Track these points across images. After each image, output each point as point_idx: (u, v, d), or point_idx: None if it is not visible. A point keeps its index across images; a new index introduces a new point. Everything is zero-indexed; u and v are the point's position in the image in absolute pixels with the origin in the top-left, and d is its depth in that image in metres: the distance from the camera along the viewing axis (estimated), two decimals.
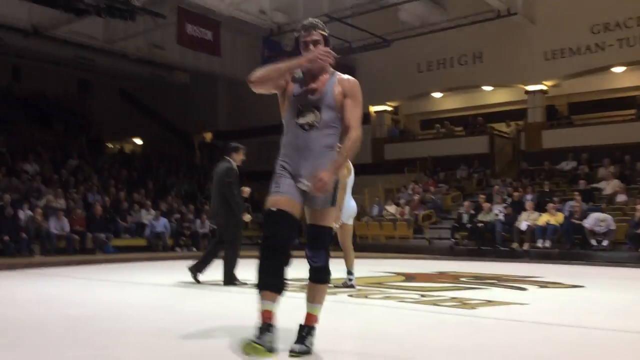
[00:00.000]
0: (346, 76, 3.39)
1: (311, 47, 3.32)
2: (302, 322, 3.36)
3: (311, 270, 3.39)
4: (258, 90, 3.39)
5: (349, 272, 6.63)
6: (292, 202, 3.26)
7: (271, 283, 3.22)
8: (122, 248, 14.81)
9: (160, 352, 3.42)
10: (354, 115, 3.33)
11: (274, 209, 3.26)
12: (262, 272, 3.24)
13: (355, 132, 3.33)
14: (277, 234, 3.24)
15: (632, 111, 17.71)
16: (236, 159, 7.10)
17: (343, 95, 3.32)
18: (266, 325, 3.19)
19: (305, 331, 3.32)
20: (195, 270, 7.07)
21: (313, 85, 3.32)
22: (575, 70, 17.72)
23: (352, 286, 6.55)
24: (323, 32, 3.41)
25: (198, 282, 7.03)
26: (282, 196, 3.27)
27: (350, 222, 6.72)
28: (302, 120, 3.30)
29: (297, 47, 3.41)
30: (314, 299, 3.41)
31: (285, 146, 3.37)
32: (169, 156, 23.08)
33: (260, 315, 3.22)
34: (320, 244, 3.35)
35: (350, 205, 6.62)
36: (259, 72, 3.29)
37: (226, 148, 7.31)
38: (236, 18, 17.49)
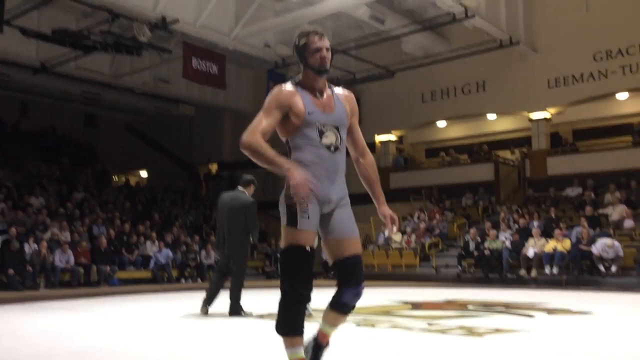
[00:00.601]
0: (342, 90, 3.19)
1: (325, 52, 3.00)
2: (318, 338, 3.21)
3: (348, 307, 3.11)
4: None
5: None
6: (315, 237, 3.00)
7: (299, 324, 2.98)
8: (127, 280, 14.78)
9: None
10: (362, 137, 3.19)
11: (308, 247, 2.93)
12: (292, 311, 2.96)
13: (371, 156, 3.21)
14: (308, 279, 2.96)
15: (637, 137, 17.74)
16: (249, 192, 7.15)
17: (351, 114, 3.13)
18: None
19: (323, 350, 3.23)
20: (206, 304, 6.99)
21: (328, 103, 3.06)
22: (578, 97, 17.80)
23: (248, 313, 6.88)
24: None
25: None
26: (312, 231, 2.96)
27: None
28: (326, 141, 2.99)
29: (299, 56, 3.06)
30: (335, 325, 3.21)
31: (309, 165, 2.96)
32: (174, 188, 23.17)
33: None
34: (361, 275, 3.07)
35: None
36: (253, 146, 2.88)
37: (242, 179, 7.28)
38: (241, 52, 17.74)
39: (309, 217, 2.92)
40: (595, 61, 17.35)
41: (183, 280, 15.82)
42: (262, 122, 2.95)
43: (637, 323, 6.48)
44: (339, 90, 3.17)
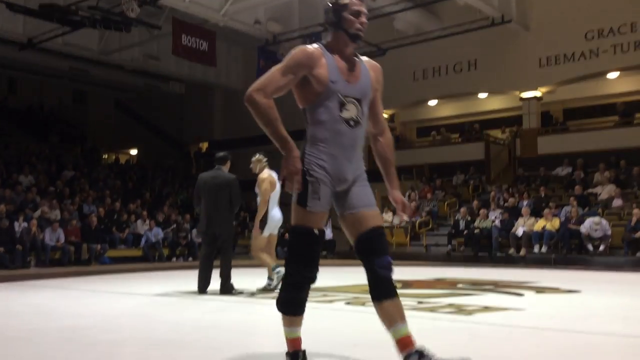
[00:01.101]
0: (369, 60, 2.94)
1: (364, 18, 2.79)
2: (402, 350, 2.79)
3: (384, 282, 2.83)
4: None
5: (270, 277, 7.07)
6: (325, 219, 2.83)
7: (300, 305, 2.90)
8: (118, 259, 14.76)
9: None
10: (383, 113, 2.99)
11: (316, 230, 2.78)
12: (294, 291, 2.86)
13: (390, 135, 3.04)
14: (314, 261, 2.80)
15: (627, 117, 17.82)
16: (227, 168, 7.16)
17: (375, 86, 2.90)
18: (299, 353, 2.92)
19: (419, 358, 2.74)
20: (225, 289, 6.88)
21: (353, 73, 2.82)
22: (569, 76, 17.79)
23: (239, 292, 6.92)
24: None
25: (240, 292, 6.92)
26: (323, 212, 2.79)
27: (276, 232, 7.23)
28: (346, 115, 2.77)
29: (336, 16, 2.79)
30: (402, 317, 2.82)
31: (324, 142, 2.78)
32: (164, 166, 23.07)
33: (290, 344, 2.94)
34: (386, 247, 2.88)
35: (276, 217, 7.13)
36: (259, 105, 2.68)
37: (218, 158, 7.25)
38: (231, 28, 17.55)
39: (320, 199, 2.75)
40: (586, 40, 17.31)
41: (174, 259, 15.83)
42: (276, 79, 2.72)
43: (624, 301, 6.56)
44: (365, 59, 2.93)
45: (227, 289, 6.84)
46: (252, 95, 2.68)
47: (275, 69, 2.75)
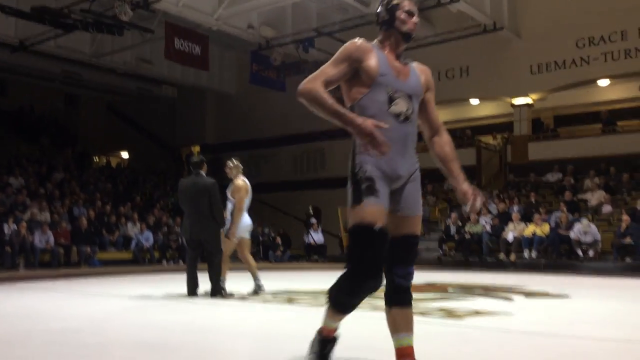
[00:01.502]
0: (418, 63, 2.94)
1: (416, 19, 2.82)
2: (399, 359, 2.78)
3: (399, 291, 2.76)
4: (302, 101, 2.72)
5: (257, 279, 7.22)
6: (385, 215, 2.68)
7: (352, 308, 2.81)
8: (108, 261, 14.69)
9: None
10: (437, 115, 2.94)
11: (376, 227, 2.60)
12: (350, 296, 2.73)
13: (447, 134, 2.96)
14: (376, 265, 2.64)
15: (617, 123, 17.96)
16: (204, 171, 7.20)
17: (426, 87, 2.88)
18: (331, 340, 2.97)
19: None
20: (215, 292, 6.87)
21: (403, 70, 2.78)
22: (560, 83, 17.92)
23: (262, 290, 7.13)
24: None
25: (230, 295, 6.91)
26: (383, 208, 2.64)
27: (247, 235, 7.32)
28: (395, 109, 2.69)
29: (389, 14, 2.80)
30: (408, 327, 2.78)
31: None
32: (156, 170, 23.00)
33: (324, 330, 2.97)
34: (414, 258, 2.81)
35: (246, 222, 7.25)
36: (313, 94, 2.63)
37: (193, 163, 7.24)
38: (224, 32, 17.55)
39: (376, 194, 2.61)
40: (577, 48, 17.45)
41: (165, 262, 15.77)
42: (326, 71, 2.70)
43: (613, 306, 6.60)
44: (414, 63, 2.92)
45: (217, 291, 6.83)
46: (304, 86, 2.65)
47: (326, 64, 2.74)
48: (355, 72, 2.70)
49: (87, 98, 26.89)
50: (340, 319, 2.88)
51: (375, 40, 2.83)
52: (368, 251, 2.61)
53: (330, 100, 2.58)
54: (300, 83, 2.67)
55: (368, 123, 2.51)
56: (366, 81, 2.69)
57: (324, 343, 2.92)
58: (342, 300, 2.76)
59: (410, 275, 2.77)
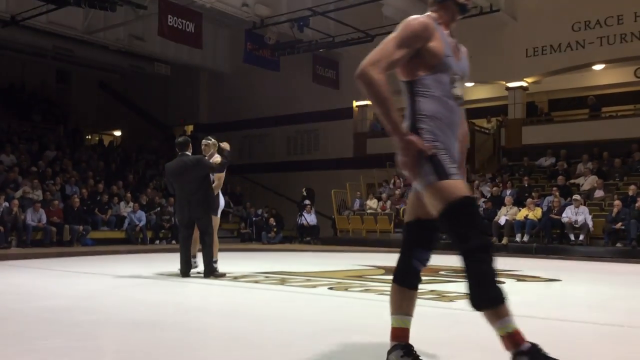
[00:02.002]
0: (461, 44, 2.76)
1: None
2: (392, 339, 2.71)
3: (412, 274, 2.71)
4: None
5: (215, 261, 7.05)
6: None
7: (503, 291, 2.42)
8: (101, 240, 14.67)
9: (138, 344, 3.39)
10: None
11: (471, 195, 2.49)
12: (493, 280, 2.40)
13: (466, 126, 2.84)
14: (484, 227, 2.54)
15: (611, 108, 18.00)
16: (190, 151, 7.16)
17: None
18: (533, 346, 2.43)
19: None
20: (208, 272, 6.87)
21: (457, 50, 2.67)
22: (555, 67, 17.88)
23: (222, 274, 6.92)
24: None
25: (222, 274, 6.91)
26: (463, 180, 2.52)
27: (218, 214, 7.33)
28: (456, 92, 2.58)
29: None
30: (410, 310, 2.73)
31: (439, 118, 2.52)
32: (148, 148, 22.88)
33: (515, 339, 2.43)
34: (436, 244, 2.72)
35: (223, 201, 7.48)
36: (375, 83, 2.42)
37: (179, 144, 7.20)
38: (218, 10, 17.35)
39: (456, 169, 2.48)
40: (573, 31, 17.38)
41: (157, 242, 15.77)
42: (390, 53, 2.46)
43: (603, 290, 6.66)
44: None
45: (210, 271, 6.84)
46: (367, 71, 2.43)
47: (388, 42, 2.51)
48: (418, 51, 2.52)
49: (79, 75, 26.62)
50: (506, 313, 2.41)
51: (427, 15, 2.65)
52: (476, 217, 2.49)
53: (388, 100, 2.44)
54: (362, 63, 2.44)
55: (417, 142, 2.43)
56: (430, 61, 2.53)
57: (536, 351, 2.41)
58: (490, 284, 2.40)
59: (427, 261, 2.71)
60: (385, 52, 2.47)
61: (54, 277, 7.37)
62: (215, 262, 7.00)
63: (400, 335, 2.70)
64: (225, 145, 7.20)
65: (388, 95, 2.43)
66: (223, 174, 7.30)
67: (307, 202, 18.28)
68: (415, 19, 2.58)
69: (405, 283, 2.71)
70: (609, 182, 15.16)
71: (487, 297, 2.40)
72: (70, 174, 16.77)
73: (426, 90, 2.53)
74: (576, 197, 13.55)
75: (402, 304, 2.71)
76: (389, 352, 2.71)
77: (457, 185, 2.43)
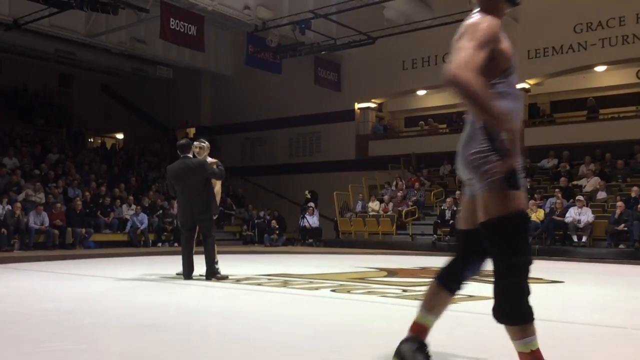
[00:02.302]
0: None
1: None
2: (410, 333, 2.73)
3: (457, 280, 2.70)
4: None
5: (216, 262, 7.07)
6: None
7: (533, 313, 2.42)
8: (103, 243, 14.69)
9: (141, 347, 3.39)
10: None
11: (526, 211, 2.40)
12: (527, 297, 2.40)
13: None
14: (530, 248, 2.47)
15: (613, 110, 17.97)
16: (191, 155, 7.15)
17: None
18: None
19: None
20: (210, 274, 6.88)
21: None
22: (557, 69, 17.86)
23: (224, 277, 6.95)
24: None
25: (224, 277, 6.92)
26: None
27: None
28: (519, 92, 2.52)
29: None
30: (440, 312, 2.74)
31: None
32: (151, 151, 22.91)
33: (537, 355, 2.44)
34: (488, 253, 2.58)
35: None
36: (470, 84, 2.19)
37: (181, 146, 7.18)
38: (220, 13, 17.38)
39: (523, 178, 2.40)
40: (575, 33, 17.38)
41: (160, 244, 15.78)
42: (474, 57, 2.27)
43: (606, 291, 6.64)
44: None
45: (212, 273, 6.85)
46: (458, 74, 2.22)
47: (467, 47, 2.31)
48: (491, 54, 2.37)
49: (82, 78, 26.68)
50: (532, 332, 2.42)
51: (484, 15, 2.47)
52: (527, 236, 2.43)
53: (486, 92, 2.26)
54: (450, 67, 2.25)
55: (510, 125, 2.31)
56: (502, 64, 2.42)
57: None
58: (523, 302, 2.39)
59: (479, 271, 2.63)
60: (469, 55, 2.28)
61: (57, 279, 7.38)
62: (216, 263, 7.01)
63: (419, 331, 2.69)
64: (212, 160, 7.22)
65: (484, 88, 2.25)
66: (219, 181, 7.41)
67: (311, 204, 18.29)
68: (490, 19, 2.41)
69: (446, 285, 2.68)
70: (611, 184, 15.14)
71: (519, 312, 2.39)
72: (73, 176, 16.80)
73: (500, 93, 2.40)
74: (579, 197, 13.55)
75: (433, 303, 2.69)
76: (402, 342, 2.69)
77: (522, 198, 2.38)
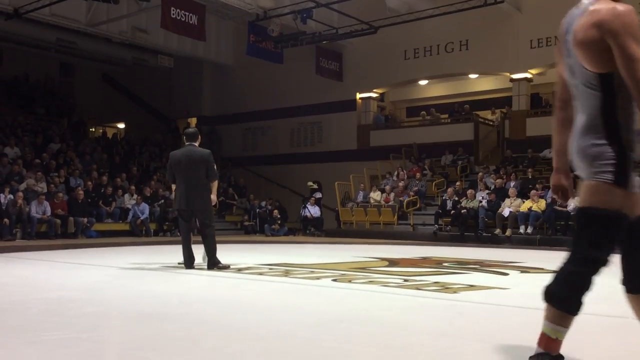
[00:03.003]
0: None
1: None
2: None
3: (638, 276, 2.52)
4: None
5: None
6: None
7: (580, 308, 2.41)
8: (105, 232, 14.73)
9: (142, 336, 3.40)
10: None
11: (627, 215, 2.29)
12: (584, 293, 2.39)
13: None
14: (611, 252, 2.36)
15: None
16: (199, 143, 7.12)
17: None
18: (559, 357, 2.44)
19: None
20: (212, 264, 6.89)
21: None
22: None
23: (226, 266, 6.93)
24: None
25: (225, 266, 6.90)
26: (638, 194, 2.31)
27: None
28: None
29: None
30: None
31: (633, 115, 2.32)
32: (152, 141, 22.90)
33: (553, 344, 2.44)
34: None
35: None
36: None
37: (189, 134, 7.15)
38: (221, 2, 17.31)
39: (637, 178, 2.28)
40: None
41: (161, 234, 15.81)
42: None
43: (607, 281, 6.64)
44: None
45: (213, 263, 6.86)
46: None
47: (630, 42, 2.25)
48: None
49: (83, 67, 26.61)
50: (567, 325, 2.42)
51: (614, 3, 2.45)
52: (614, 240, 2.33)
53: None
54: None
55: None
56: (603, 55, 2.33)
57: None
58: (575, 292, 2.38)
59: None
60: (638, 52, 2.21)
61: (59, 269, 7.40)
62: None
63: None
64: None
65: None
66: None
67: (318, 194, 18.34)
68: (630, 10, 2.38)
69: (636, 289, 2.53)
70: None
71: (571, 301, 2.38)
72: (75, 166, 16.82)
73: (623, 85, 2.25)
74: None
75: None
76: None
77: (624, 200, 2.26)
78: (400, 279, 6.14)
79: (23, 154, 16.44)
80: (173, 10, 15.84)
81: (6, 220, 12.73)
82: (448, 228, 15.21)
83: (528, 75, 18.51)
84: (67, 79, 27.07)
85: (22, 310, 4.20)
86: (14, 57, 24.09)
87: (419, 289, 5.33)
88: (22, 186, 14.12)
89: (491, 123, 20.27)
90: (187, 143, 7.10)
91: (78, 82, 27.32)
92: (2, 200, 13.14)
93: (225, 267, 6.87)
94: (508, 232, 13.88)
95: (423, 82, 21.48)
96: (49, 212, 13.69)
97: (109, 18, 18.33)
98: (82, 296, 4.86)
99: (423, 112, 21.33)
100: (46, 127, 20.49)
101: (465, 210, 14.72)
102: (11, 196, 13.34)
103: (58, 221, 13.80)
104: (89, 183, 15.83)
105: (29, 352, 2.95)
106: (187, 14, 16.22)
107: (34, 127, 20.02)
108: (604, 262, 2.35)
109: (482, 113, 20.56)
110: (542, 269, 7.55)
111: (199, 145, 7.13)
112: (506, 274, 6.79)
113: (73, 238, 13.70)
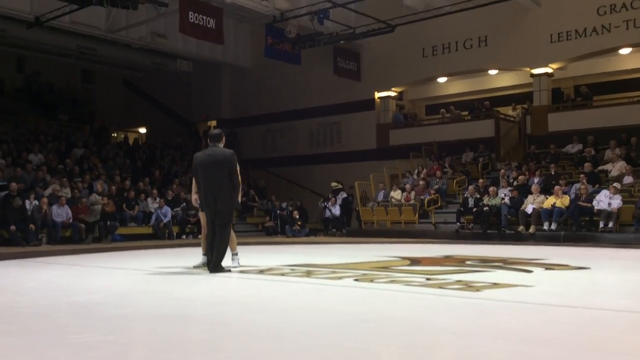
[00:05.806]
0: None
1: None
2: None
3: None
4: None
5: (235, 254, 7.18)
6: None
7: None
8: (129, 236, 14.90)
9: (167, 338, 3.44)
10: None
11: None
12: None
13: None
14: None
15: (638, 93, 17.63)
16: (221, 146, 7.04)
17: None
18: None
19: None
20: (215, 268, 6.81)
21: None
22: (581, 52, 17.56)
23: (226, 270, 6.84)
24: None
25: (228, 270, 6.86)
26: None
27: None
28: None
29: None
30: None
31: None
32: (173, 145, 23.11)
33: None
34: None
35: None
36: None
37: (213, 135, 7.10)
38: (238, 5, 17.41)
39: None
40: (599, 15, 17.04)
41: (184, 237, 15.95)
42: None
43: (633, 277, 6.55)
44: None
45: (216, 266, 6.70)
46: None
47: None
48: None
49: (103, 74, 26.98)
50: None
51: None
52: None
53: None
54: None
55: None
56: None
57: None
58: None
59: None
60: None
61: (84, 273, 7.50)
62: (236, 254, 7.06)
63: None
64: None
65: None
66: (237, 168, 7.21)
67: (344, 194, 18.40)
68: None
69: None
70: (638, 168, 14.88)
71: None
72: (99, 171, 17.04)
73: None
74: (616, 184, 13.31)
75: None
76: None
77: None
78: (423, 278, 6.11)
79: (47, 160, 16.69)
80: (191, 14, 15.97)
81: (32, 225, 12.94)
82: (470, 226, 15.09)
83: (549, 70, 18.30)
84: (88, 85, 27.47)
85: (49, 313, 4.27)
86: (36, 64, 24.50)
87: (442, 288, 5.30)
88: (47, 192, 14.34)
89: (512, 119, 20.07)
90: (210, 144, 7.10)
91: (99, 88, 27.70)
92: (28, 207, 13.36)
93: (227, 271, 6.78)
94: (532, 229, 13.74)
95: (442, 80, 21.35)
96: (69, 215, 13.86)
97: (128, 24, 18.55)
98: (108, 299, 4.92)
99: (442, 110, 21.20)
100: (69, 133, 20.81)
101: (487, 208, 14.60)
102: (36, 202, 13.55)
103: (82, 226, 13.99)
104: (113, 187, 16.01)
105: (56, 355, 3.00)
106: (204, 18, 16.34)
107: (57, 133, 20.34)
108: None
109: (502, 109, 20.37)
110: (567, 265, 7.46)
111: (224, 147, 7.10)
112: (530, 272, 6.72)
113: (98, 242, 13.88)
